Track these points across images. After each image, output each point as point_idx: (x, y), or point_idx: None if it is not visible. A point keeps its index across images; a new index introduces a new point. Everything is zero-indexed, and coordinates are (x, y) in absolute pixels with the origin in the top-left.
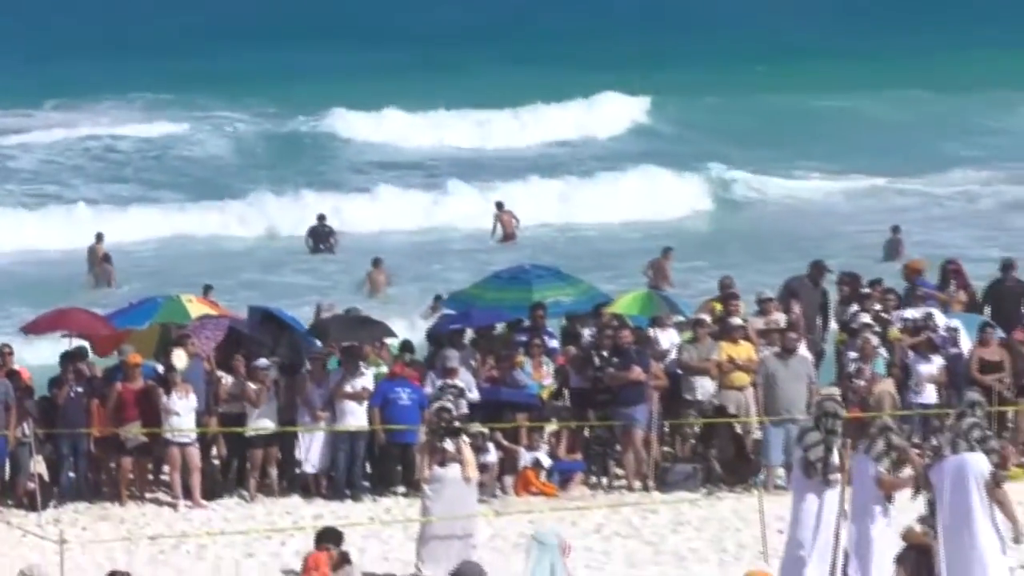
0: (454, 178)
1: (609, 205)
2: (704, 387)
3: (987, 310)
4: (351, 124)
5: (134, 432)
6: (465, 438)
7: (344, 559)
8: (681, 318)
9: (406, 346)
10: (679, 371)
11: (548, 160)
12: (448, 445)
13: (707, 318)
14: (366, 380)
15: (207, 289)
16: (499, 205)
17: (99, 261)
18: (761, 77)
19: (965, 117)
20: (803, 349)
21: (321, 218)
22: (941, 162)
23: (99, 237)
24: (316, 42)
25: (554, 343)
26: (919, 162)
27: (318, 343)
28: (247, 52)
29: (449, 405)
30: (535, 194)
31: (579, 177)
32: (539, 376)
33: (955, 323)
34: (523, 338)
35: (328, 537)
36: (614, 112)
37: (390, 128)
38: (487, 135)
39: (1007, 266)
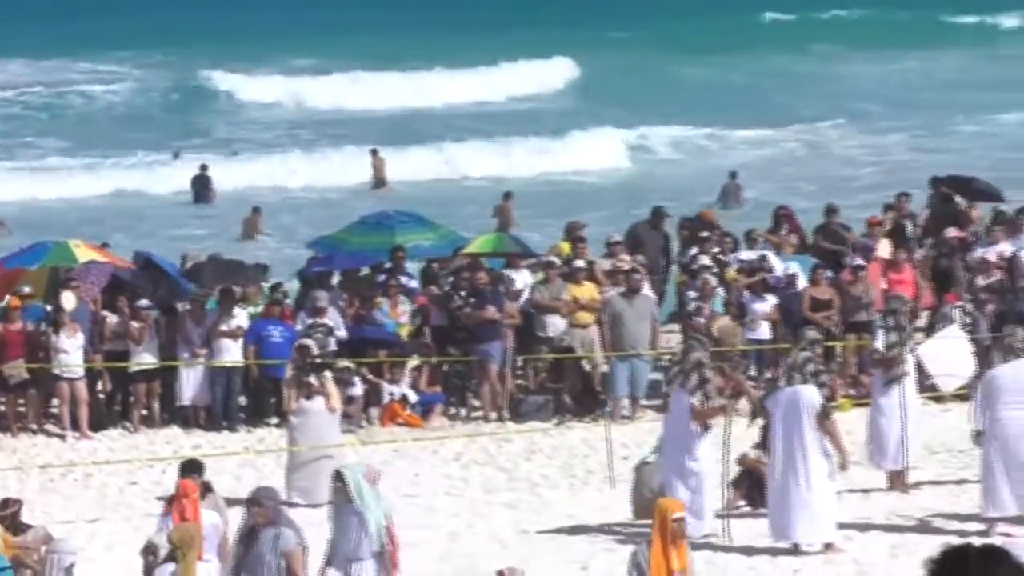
0: (345, 138)
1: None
2: (555, 325)
3: None
4: (238, 83)
5: (17, 369)
6: (329, 373)
7: (207, 488)
8: (533, 259)
9: (277, 287)
10: (531, 310)
11: (460, 121)
12: (313, 380)
13: (556, 260)
14: (241, 319)
15: (103, 245)
16: (374, 152)
17: None
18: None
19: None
20: (647, 289)
21: (204, 168)
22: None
23: None
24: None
25: (414, 283)
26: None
27: (192, 286)
28: (136, 11)
29: (311, 343)
30: (450, 155)
31: (483, 138)
32: (395, 315)
33: (794, 267)
34: (384, 279)
35: (191, 468)
36: (518, 76)
37: (290, 88)
38: (399, 96)
39: (830, 211)
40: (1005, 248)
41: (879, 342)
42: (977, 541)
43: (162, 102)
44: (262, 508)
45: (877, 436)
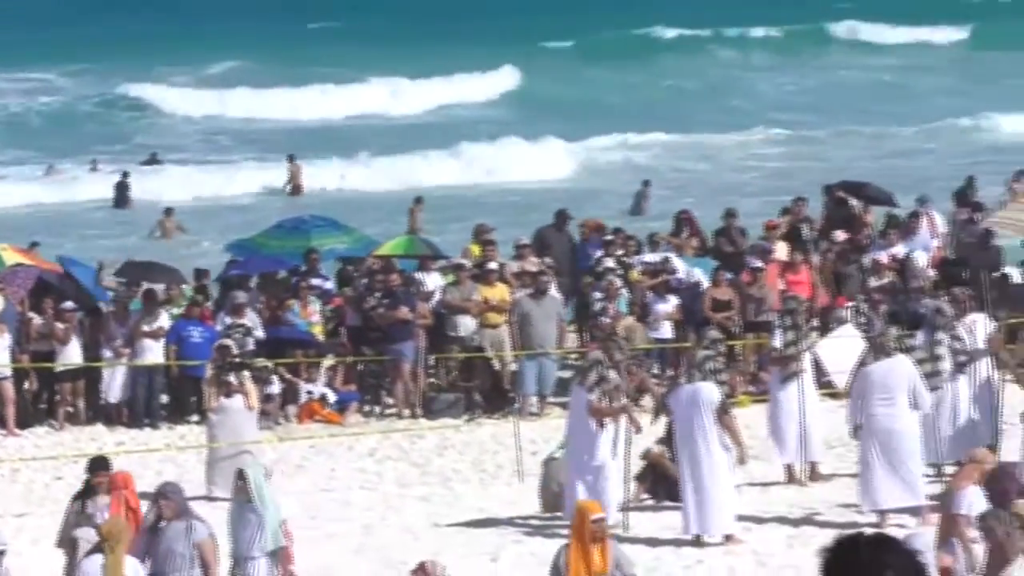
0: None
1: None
2: (465, 325)
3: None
4: (159, 94)
5: None
6: (247, 372)
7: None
8: (444, 262)
9: (200, 290)
10: (443, 310)
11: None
12: (232, 378)
13: (467, 263)
14: (162, 320)
15: (33, 245)
16: (290, 158)
17: None
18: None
19: None
20: (553, 290)
21: (125, 175)
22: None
23: None
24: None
25: (328, 284)
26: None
27: (108, 294)
28: (58, 22)
29: (231, 344)
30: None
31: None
32: (306, 315)
33: (697, 272)
34: (296, 281)
35: (99, 465)
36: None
37: (220, 99)
38: (335, 108)
39: (729, 215)
40: (899, 250)
41: (777, 340)
42: (868, 531)
43: (84, 112)
44: (169, 501)
45: (776, 431)
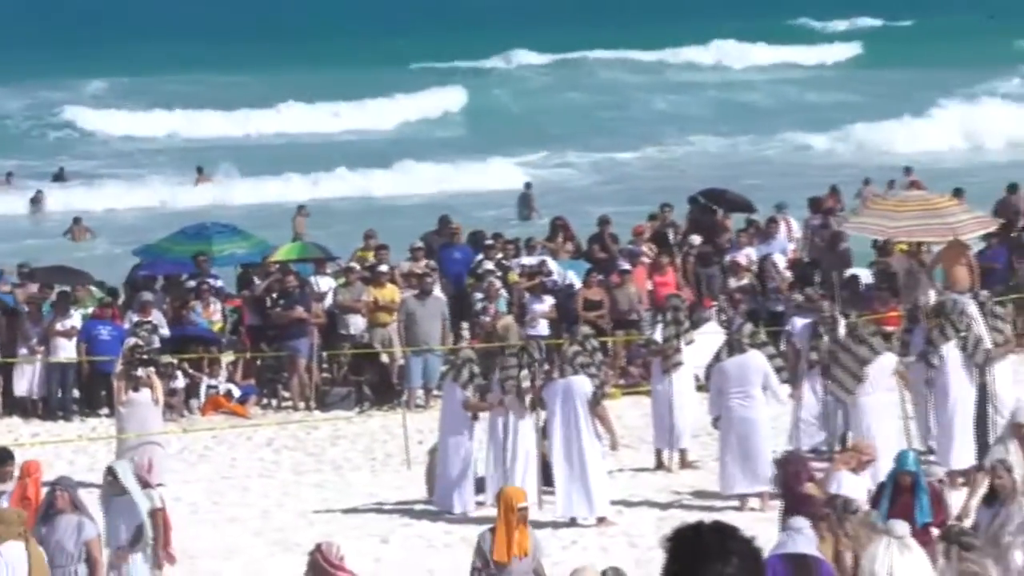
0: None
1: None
2: (355, 323)
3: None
4: (89, 118)
5: None
6: (153, 368)
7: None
8: (337, 266)
9: (111, 292)
10: (335, 310)
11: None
12: (140, 373)
13: (356, 266)
14: (74, 319)
15: None
16: (199, 170)
17: None
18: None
19: None
20: (438, 291)
21: (39, 192)
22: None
23: None
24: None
25: (219, 283)
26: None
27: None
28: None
29: (141, 342)
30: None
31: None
32: (208, 315)
33: (571, 274)
34: (197, 284)
35: (2, 456)
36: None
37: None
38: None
39: (604, 221)
40: (751, 252)
41: (657, 335)
42: (708, 518)
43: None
44: (63, 492)
45: (657, 420)
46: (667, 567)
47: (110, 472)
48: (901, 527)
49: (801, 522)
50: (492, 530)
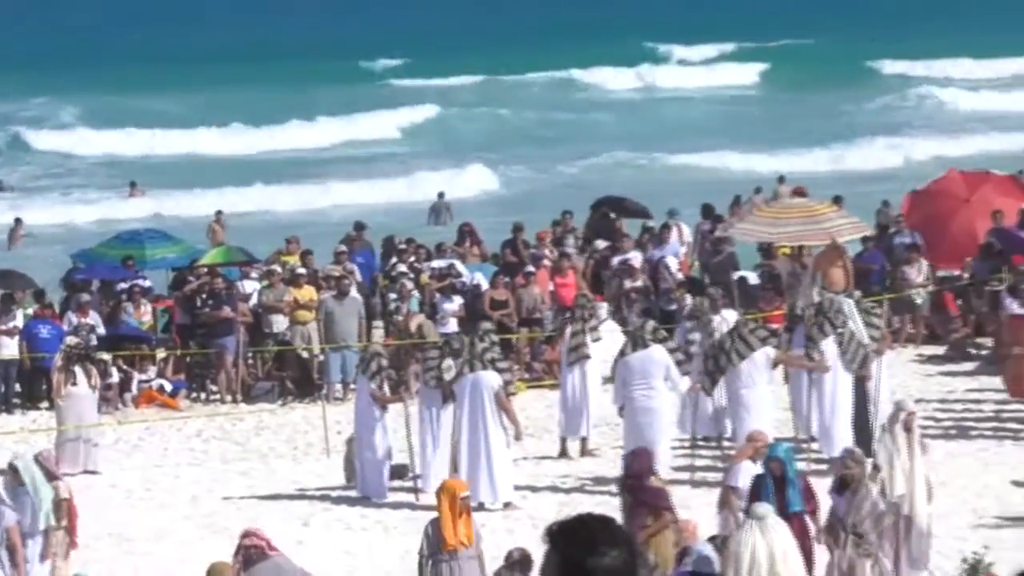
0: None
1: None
2: (278, 322)
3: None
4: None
5: None
6: (90, 364)
7: None
8: (261, 268)
9: (41, 293)
10: (259, 310)
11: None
12: (77, 369)
13: (278, 268)
14: (17, 320)
15: None
16: (132, 184)
17: None
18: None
19: None
20: (354, 291)
21: None
22: None
23: None
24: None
25: (147, 283)
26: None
27: None
28: None
29: (79, 341)
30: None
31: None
32: (138, 315)
33: (478, 275)
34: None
35: None
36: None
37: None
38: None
39: (516, 228)
40: (638, 256)
41: (567, 331)
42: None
43: None
44: None
45: (564, 410)
46: (550, 557)
47: (12, 468)
48: (762, 508)
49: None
50: (436, 520)
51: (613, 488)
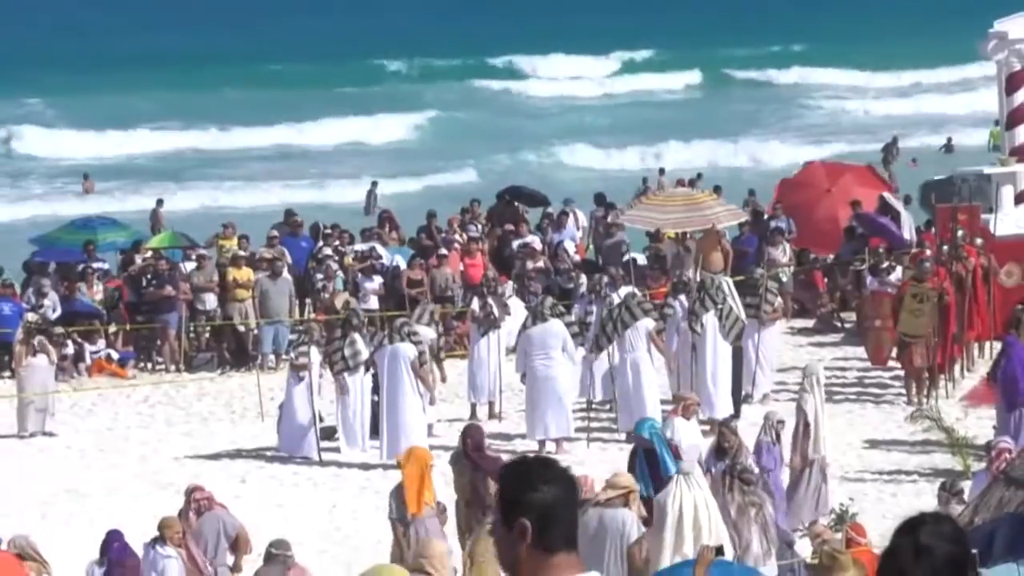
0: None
1: None
2: (209, 300)
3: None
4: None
5: None
6: (46, 337)
7: None
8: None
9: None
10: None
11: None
12: (36, 342)
13: (207, 253)
14: None
15: None
16: (85, 176)
17: None
18: None
19: None
20: (286, 272)
21: None
22: None
23: None
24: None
25: (105, 266)
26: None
27: None
28: None
29: (37, 317)
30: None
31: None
32: (91, 294)
33: (397, 257)
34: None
35: None
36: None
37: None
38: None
39: (430, 215)
40: (537, 239)
41: (475, 306)
42: (531, 454)
43: None
44: None
45: (472, 378)
46: (499, 493)
47: None
48: (688, 465)
49: None
50: (399, 487)
51: (518, 445)
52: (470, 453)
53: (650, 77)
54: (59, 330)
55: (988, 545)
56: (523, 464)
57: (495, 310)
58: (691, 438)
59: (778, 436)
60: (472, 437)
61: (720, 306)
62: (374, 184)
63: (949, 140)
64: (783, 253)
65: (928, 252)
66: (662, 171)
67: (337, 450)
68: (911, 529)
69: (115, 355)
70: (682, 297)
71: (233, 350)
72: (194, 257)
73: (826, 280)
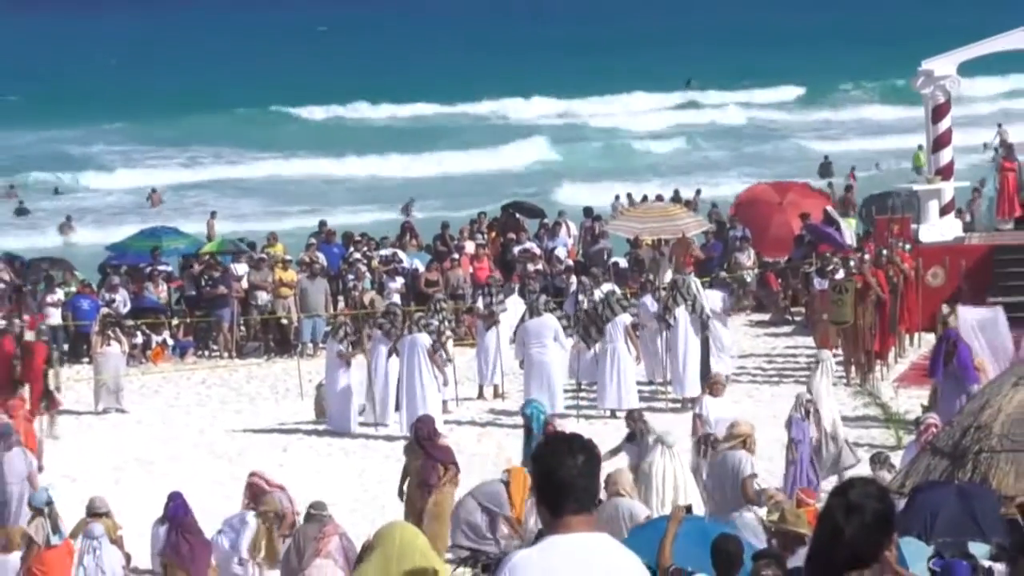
0: None
1: None
2: (262, 297)
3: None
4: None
5: None
6: (119, 329)
7: None
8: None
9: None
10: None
11: None
12: (111, 332)
13: (264, 256)
14: (59, 295)
15: None
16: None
17: None
18: None
19: None
20: (322, 274)
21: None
22: None
23: None
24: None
25: (170, 268)
26: None
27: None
28: None
29: (110, 311)
30: None
31: None
32: (157, 292)
33: (416, 261)
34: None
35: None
36: None
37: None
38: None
39: (444, 225)
40: (535, 246)
41: (480, 303)
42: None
43: None
44: None
45: (480, 363)
46: (532, 472)
47: None
48: (671, 438)
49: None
50: (505, 483)
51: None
52: (422, 441)
53: None
54: (129, 323)
55: (931, 522)
56: (552, 440)
57: (496, 308)
58: (720, 412)
59: (807, 413)
60: (424, 427)
61: (690, 302)
62: (411, 200)
63: (877, 164)
64: (748, 257)
65: (861, 255)
66: (629, 196)
67: (368, 424)
68: (843, 491)
69: (170, 342)
70: (648, 297)
71: (277, 340)
72: (246, 259)
73: (780, 280)
